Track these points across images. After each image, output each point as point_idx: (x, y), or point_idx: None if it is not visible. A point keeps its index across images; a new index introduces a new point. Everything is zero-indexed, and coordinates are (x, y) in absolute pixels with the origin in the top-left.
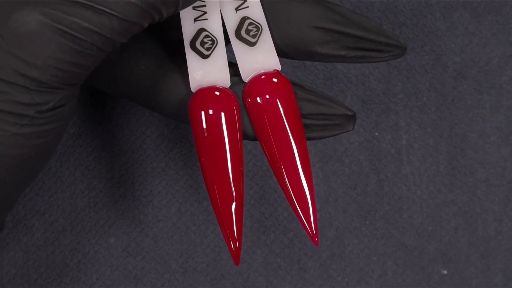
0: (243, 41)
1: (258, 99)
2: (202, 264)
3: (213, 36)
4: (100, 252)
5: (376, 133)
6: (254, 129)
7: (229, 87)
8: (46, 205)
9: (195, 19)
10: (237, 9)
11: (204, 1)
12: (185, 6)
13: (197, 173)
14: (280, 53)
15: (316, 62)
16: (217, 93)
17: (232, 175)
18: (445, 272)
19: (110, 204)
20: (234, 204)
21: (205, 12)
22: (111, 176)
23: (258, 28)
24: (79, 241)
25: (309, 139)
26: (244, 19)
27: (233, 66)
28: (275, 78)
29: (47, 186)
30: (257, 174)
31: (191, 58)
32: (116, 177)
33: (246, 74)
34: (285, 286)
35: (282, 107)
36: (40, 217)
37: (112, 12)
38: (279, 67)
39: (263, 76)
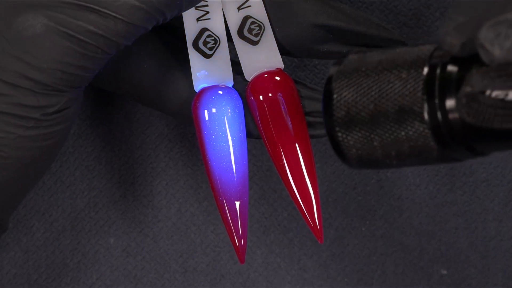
0: (245, 40)
1: (261, 98)
2: (202, 264)
3: (216, 35)
4: (100, 252)
5: None
6: (257, 127)
7: (232, 86)
8: (46, 205)
9: (198, 19)
10: (239, 8)
11: (207, 1)
12: (188, 7)
13: (197, 173)
14: (283, 51)
15: (316, 62)
16: (220, 92)
17: (236, 173)
18: (445, 272)
19: (110, 204)
20: (238, 202)
21: (208, 12)
22: (111, 176)
23: (261, 27)
24: (79, 241)
25: (312, 137)
26: (246, 18)
27: (236, 65)
28: (278, 76)
29: (47, 186)
30: (257, 174)
31: (194, 58)
32: (116, 177)
33: (249, 72)
34: (285, 286)
35: (285, 105)
36: (40, 217)
37: (117, 15)
38: (281, 66)
39: (266, 75)
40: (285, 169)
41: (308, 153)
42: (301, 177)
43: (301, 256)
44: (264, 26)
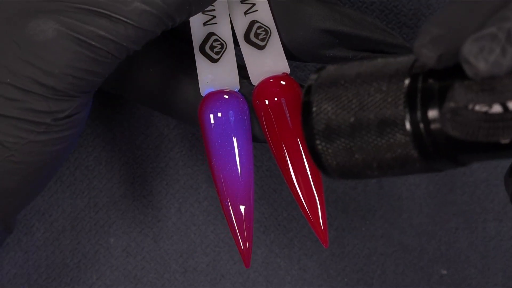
0: (252, 45)
1: (267, 102)
2: (202, 264)
3: (222, 40)
4: (100, 252)
5: None
6: (263, 131)
7: (238, 90)
8: (46, 205)
9: (205, 23)
10: (245, 13)
11: (214, 6)
12: (197, 12)
13: (197, 173)
14: (289, 55)
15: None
16: (226, 96)
17: (241, 177)
18: (445, 272)
19: (110, 204)
20: (244, 206)
21: (214, 16)
22: (111, 176)
23: (267, 31)
24: (79, 241)
25: None
26: (253, 22)
27: (242, 69)
28: (284, 81)
29: (47, 186)
30: (257, 174)
31: (201, 62)
32: (116, 177)
33: (255, 77)
34: (285, 286)
35: (290, 109)
36: (40, 217)
37: (127, 20)
38: (288, 70)
39: (271, 79)
40: (291, 174)
41: None
42: (307, 182)
43: (301, 256)
44: (270, 30)
